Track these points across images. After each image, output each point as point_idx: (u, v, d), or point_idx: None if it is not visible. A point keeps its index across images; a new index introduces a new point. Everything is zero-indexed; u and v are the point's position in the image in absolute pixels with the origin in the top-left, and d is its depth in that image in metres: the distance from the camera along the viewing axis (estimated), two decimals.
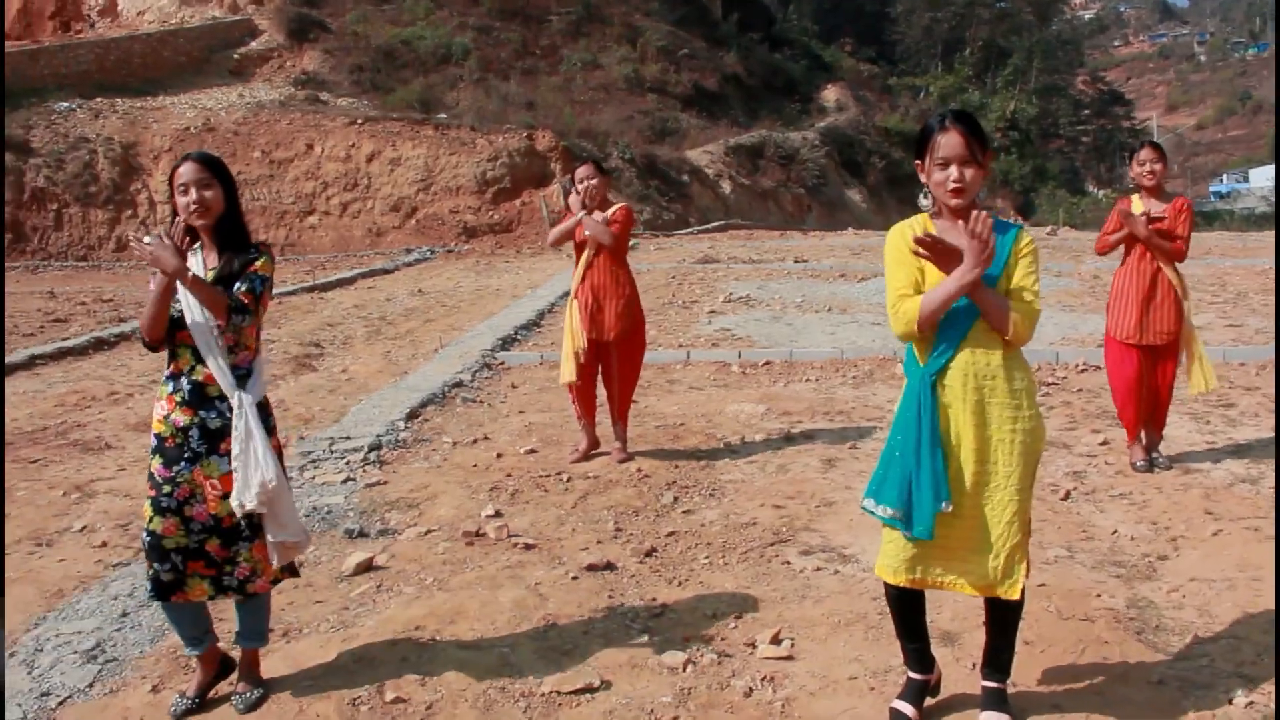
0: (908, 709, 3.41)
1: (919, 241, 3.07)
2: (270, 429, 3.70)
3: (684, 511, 5.70)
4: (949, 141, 3.13)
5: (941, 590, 3.36)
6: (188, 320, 3.57)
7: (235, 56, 31.95)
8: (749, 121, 39.48)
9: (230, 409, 3.60)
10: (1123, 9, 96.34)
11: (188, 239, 3.65)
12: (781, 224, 33.21)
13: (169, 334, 3.61)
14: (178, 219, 3.61)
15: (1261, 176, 69.28)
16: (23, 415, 8.57)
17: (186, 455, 3.59)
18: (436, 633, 4.21)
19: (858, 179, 40.78)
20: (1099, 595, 4.45)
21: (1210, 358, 9.11)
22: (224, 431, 3.60)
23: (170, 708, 3.71)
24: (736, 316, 12.77)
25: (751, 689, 3.68)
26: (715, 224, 30.34)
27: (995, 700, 3.38)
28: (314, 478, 6.44)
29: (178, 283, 3.46)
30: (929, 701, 3.50)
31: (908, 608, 3.41)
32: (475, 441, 7.28)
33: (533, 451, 6.94)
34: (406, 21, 35.93)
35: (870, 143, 41.94)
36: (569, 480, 6.30)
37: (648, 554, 5.00)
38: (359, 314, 14.28)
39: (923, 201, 3.30)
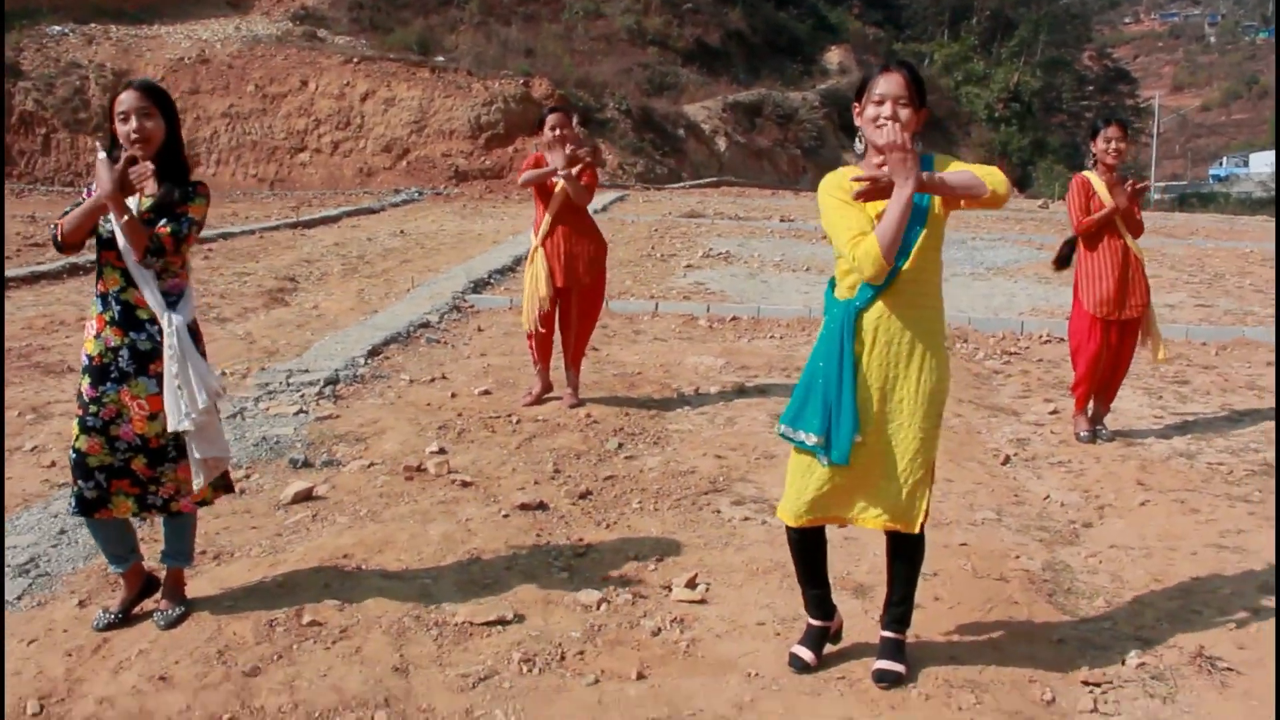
0: (806, 654, 3.49)
1: (859, 183, 3.11)
2: (200, 352, 3.74)
3: (626, 457, 5.77)
4: (889, 80, 3.17)
5: (844, 526, 3.42)
6: (119, 245, 3.59)
7: None
8: (750, 80, 39.25)
9: (160, 331, 3.63)
10: None
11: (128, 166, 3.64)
12: (775, 183, 33.13)
13: (97, 251, 3.64)
14: (123, 150, 3.61)
15: (1261, 162, 69.13)
16: None
17: (114, 375, 3.63)
18: (363, 561, 4.28)
19: (855, 142, 40.53)
20: (1018, 557, 4.54)
21: (1174, 335, 9.25)
22: (154, 353, 3.64)
23: (93, 621, 3.78)
24: (713, 272, 12.80)
25: (660, 629, 3.76)
26: (708, 180, 30.28)
27: (892, 650, 3.46)
28: (267, 409, 6.49)
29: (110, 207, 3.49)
30: (829, 649, 3.58)
31: (809, 551, 3.47)
32: (432, 380, 7.33)
33: (487, 393, 6.99)
34: None
35: None
36: (518, 422, 6.36)
37: (582, 496, 5.08)
38: (338, 252, 14.27)
39: (857, 146, 3.31)
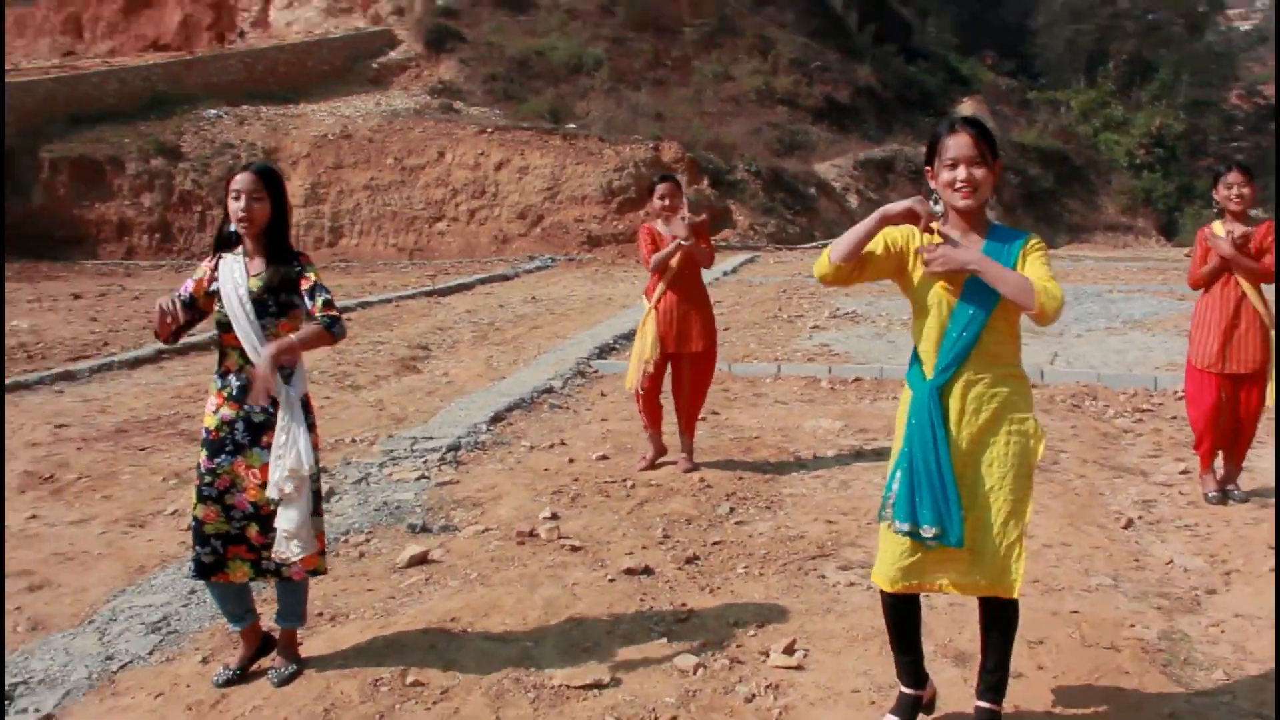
0: None
1: (930, 236, 3.17)
2: (310, 425, 3.95)
3: (737, 522, 5.81)
4: (958, 142, 3.18)
5: (941, 593, 3.39)
6: (234, 327, 3.85)
7: (375, 66, 33.10)
8: (881, 135, 39.02)
9: (274, 405, 3.87)
10: None
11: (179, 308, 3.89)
12: None
13: (218, 334, 3.91)
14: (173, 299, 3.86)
15: None
16: (141, 406, 9.15)
17: (228, 448, 3.88)
18: (469, 624, 4.42)
19: (993, 195, 39.88)
20: (1132, 625, 4.40)
21: None
22: (267, 425, 3.88)
23: (214, 676, 4.01)
24: (839, 332, 12.74)
25: (754, 695, 3.78)
26: None
27: None
28: (390, 474, 6.75)
29: (235, 299, 3.80)
30: (923, 719, 3.54)
31: (903, 617, 3.45)
32: (552, 446, 7.50)
33: (604, 458, 7.12)
34: (541, 32, 36.64)
35: (1006, 158, 40.79)
36: (632, 487, 6.46)
37: (688, 561, 5.13)
38: (470, 319, 14.71)
39: (934, 207, 3.33)
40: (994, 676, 3.43)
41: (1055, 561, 5.16)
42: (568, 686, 3.84)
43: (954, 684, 3.80)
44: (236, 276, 3.92)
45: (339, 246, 26.46)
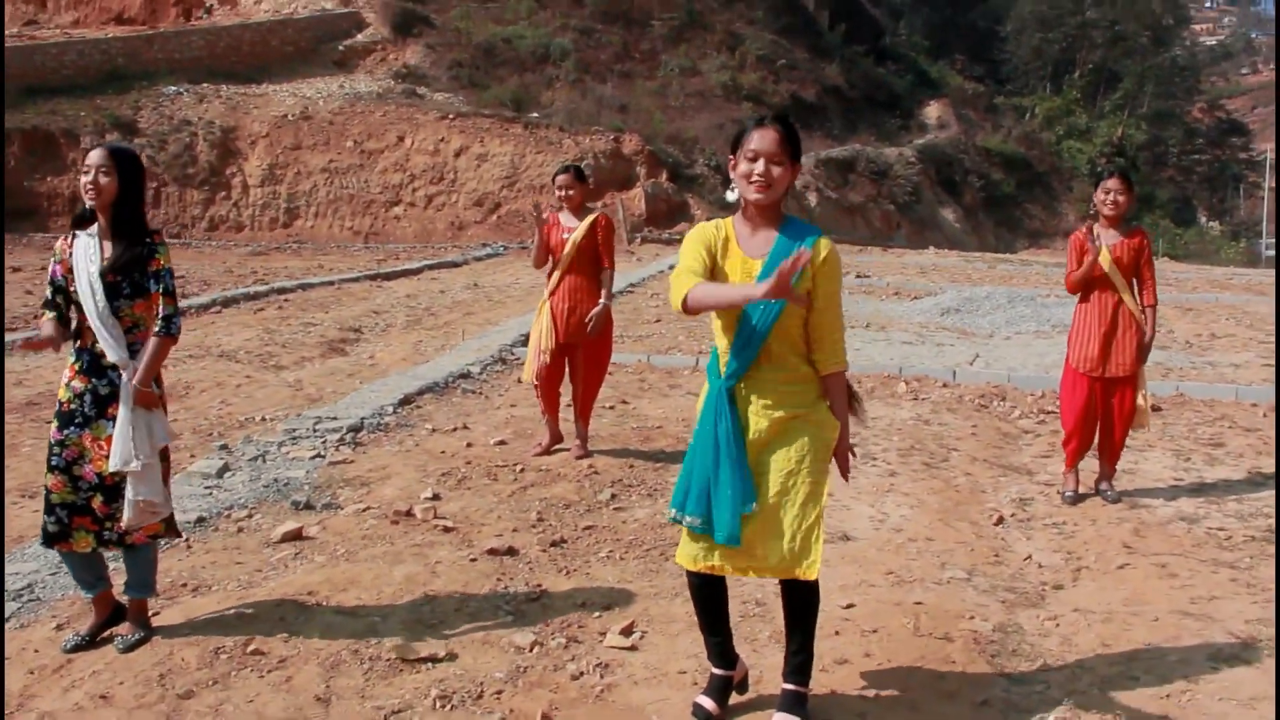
0: (709, 703, 3.55)
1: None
2: (160, 401, 4.03)
3: (615, 509, 5.90)
4: (763, 136, 3.25)
5: (744, 577, 3.49)
6: (83, 307, 3.93)
7: (340, 48, 32.94)
8: (845, 135, 39.27)
9: (119, 377, 3.93)
10: (1254, 35, 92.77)
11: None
12: (868, 240, 33.01)
13: (78, 314, 3.99)
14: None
15: None
16: (57, 380, 9.11)
17: (77, 420, 3.95)
18: (325, 598, 4.50)
19: (954, 198, 40.28)
20: (971, 618, 4.53)
21: (1221, 396, 9.04)
22: (113, 397, 3.94)
23: (63, 642, 4.07)
24: None
25: (583, 673, 3.87)
26: None
27: (792, 703, 3.51)
28: (288, 453, 6.80)
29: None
30: (736, 699, 3.65)
31: (709, 599, 3.53)
32: (454, 430, 7.57)
33: (502, 443, 7.20)
34: (509, 20, 36.56)
35: (969, 162, 41.37)
36: (521, 471, 6.55)
37: (554, 544, 5.22)
38: (408, 303, 14.75)
39: (729, 195, 3.40)
40: (798, 659, 3.53)
41: (915, 555, 5.29)
42: (403, 660, 3.93)
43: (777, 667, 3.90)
44: (90, 254, 3.97)
45: (294, 228, 26.37)
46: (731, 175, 3.35)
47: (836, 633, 4.29)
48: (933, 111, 44.58)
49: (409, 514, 5.60)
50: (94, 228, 4.03)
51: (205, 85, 27.89)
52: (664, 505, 5.99)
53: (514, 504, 5.90)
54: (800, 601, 3.48)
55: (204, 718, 3.53)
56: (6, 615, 4.37)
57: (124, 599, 4.27)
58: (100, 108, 25.58)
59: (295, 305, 14.15)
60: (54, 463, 3.96)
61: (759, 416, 3.33)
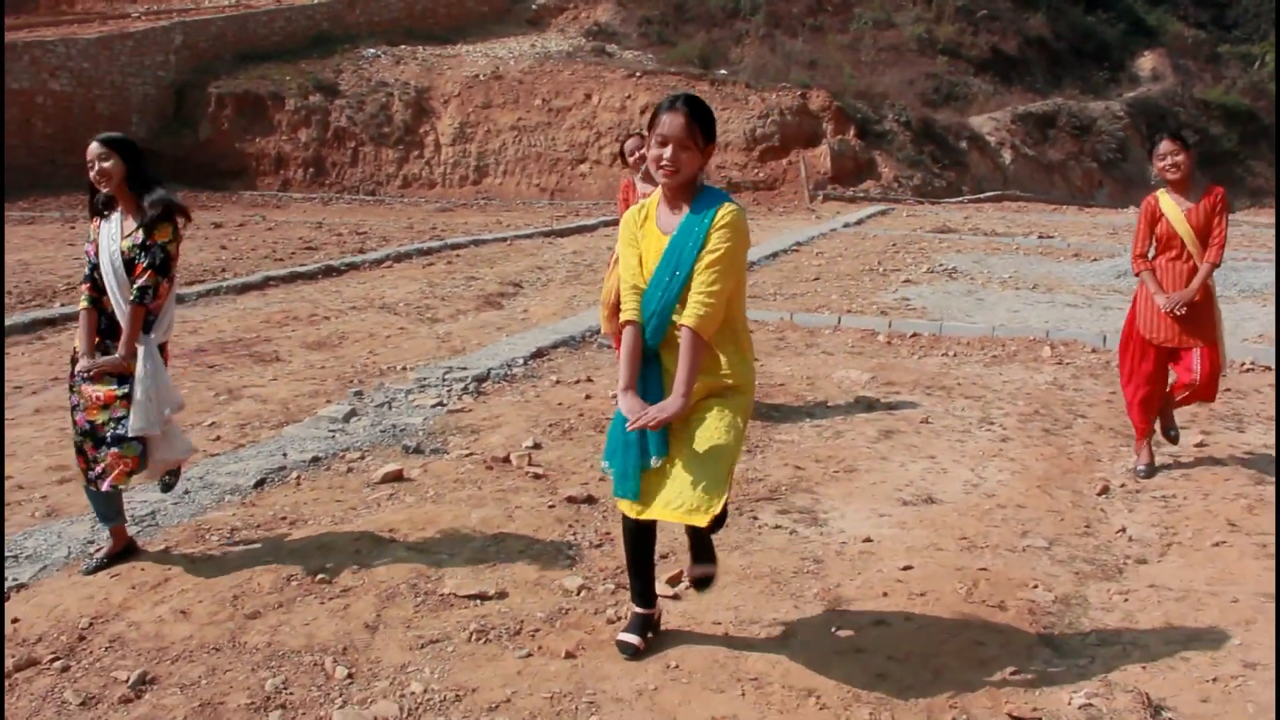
0: (633, 638, 3.75)
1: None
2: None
3: None
4: (671, 120, 3.33)
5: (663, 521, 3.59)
6: (105, 284, 4.39)
7: (534, 7, 33.69)
8: (1048, 89, 37.44)
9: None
10: None
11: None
12: (1066, 198, 31.54)
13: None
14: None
15: None
16: (230, 329, 9.87)
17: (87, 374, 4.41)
18: (404, 535, 4.79)
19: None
20: (1036, 587, 4.43)
21: None
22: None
23: (83, 565, 4.50)
24: (928, 288, 12.59)
25: (620, 618, 4.01)
26: (989, 194, 29.27)
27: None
28: (414, 401, 7.17)
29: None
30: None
31: (640, 542, 3.75)
32: (577, 382, 7.80)
33: None
34: None
35: (1186, 115, 38.67)
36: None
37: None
38: (572, 259, 15.10)
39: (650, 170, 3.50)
40: (700, 549, 3.80)
41: (1000, 522, 5.18)
42: (455, 595, 4.16)
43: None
44: (112, 233, 4.42)
45: (483, 185, 27.27)
46: (647, 152, 3.44)
47: (885, 594, 4.29)
48: (1146, 63, 41.88)
49: (505, 460, 5.85)
50: (117, 211, 4.44)
51: (403, 47, 29.06)
52: (758, 461, 6.05)
53: None
54: (696, 538, 3.74)
55: (263, 634, 3.86)
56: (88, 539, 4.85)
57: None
58: (304, 71, 27.05)
59: (464, 261, 14.70)
60: (70, 402, 4.47)
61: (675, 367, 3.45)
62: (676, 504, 3.44)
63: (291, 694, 3.50)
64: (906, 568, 4.53)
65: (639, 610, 3.81)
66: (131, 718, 3.37)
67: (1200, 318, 5.82)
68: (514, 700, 3.45)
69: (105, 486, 4.39)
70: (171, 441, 4.48)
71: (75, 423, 4.45)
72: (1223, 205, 5.75)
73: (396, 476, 5.60)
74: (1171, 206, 5.79)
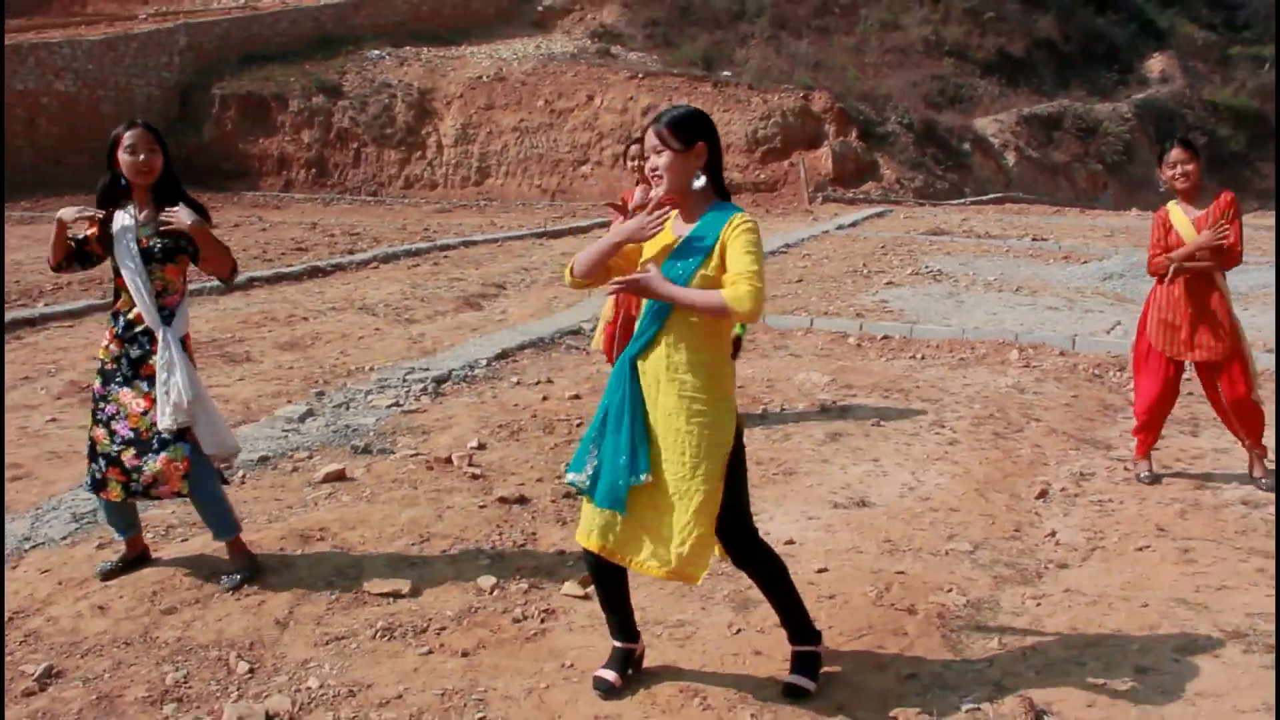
0: (610, 675, 3.60)
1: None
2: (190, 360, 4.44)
3: None
4: (649, 136, 3.40)
5: (630, 569, 3.51)
6: (123, 272, 4.33)
7: (539, 8, 33.81)
8: (1055, 91, 37.32)
9: (150, 341, 4.34)
10: None
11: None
12: (1070, 201, 31.43)
13: (114, 278, 4.39)
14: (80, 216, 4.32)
15: None
16: (207, 329, 9.95)
17: (118, 379, 4.37)
18: (331, 535, 4.86)
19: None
20: (949, 591, 4.47)
21: None
22: (144, 359, 4.34)
23: (98, 566, 4.53)
24: (909, 290, 12.60)
25: (526, 617, 4.08)
26: (991, 196, 29.21)
27: (797, 666, 3.66)
28: (370, 401, 7.25)
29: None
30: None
31: (607, 579, 3.58)
32: (537, 383, 7.86)
33: (577, 398, 7.44)
34: None
35: (1193, 117, 38.52)
36: (579, 425, 6.77)
37: (567, 495, 5.42)
38: (561, 261, 15.14)
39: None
40: (787, 623, 3.70)
41: (928, 525, 5.22)
42: (369, 593, 4.24)
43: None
44: (127, 223, 4.38)
45: (485, 186, 27.38)
46: None
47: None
48: (1155, 65, 41.69)
49: (447, 461, 5.92)
50: (130, 205, 4.38)
51: (407, 48, 29.21)
52: None
53: (553, 456, 6.13)
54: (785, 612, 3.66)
55: (175, 630, 3.94)
56: (62, 535, 4.93)
57: (149, 546, 4.71)
58: (308, 72, 27.23)
59: (451, 262, 14.79)
60: (98, 416, 4.39)
61: (657, 392, 3.41)
62: (657, 561, 3.40)
63: (190, 688, 3.58)
64: (821, 570, 4.58)
65: (618, 645, 3.65)
66: (30, 710, 3.45)
67: (1213, 328, 5.82)
68: (405, 696, 3.52)
69: (165, 494, 4.35)
70: (213, 430, 4.39)
71: (113, 432, 4.34)
72: (1234, 210, 5.75)
73: (339, 476, 5.67)
74: (1181, 218, 5.80)
